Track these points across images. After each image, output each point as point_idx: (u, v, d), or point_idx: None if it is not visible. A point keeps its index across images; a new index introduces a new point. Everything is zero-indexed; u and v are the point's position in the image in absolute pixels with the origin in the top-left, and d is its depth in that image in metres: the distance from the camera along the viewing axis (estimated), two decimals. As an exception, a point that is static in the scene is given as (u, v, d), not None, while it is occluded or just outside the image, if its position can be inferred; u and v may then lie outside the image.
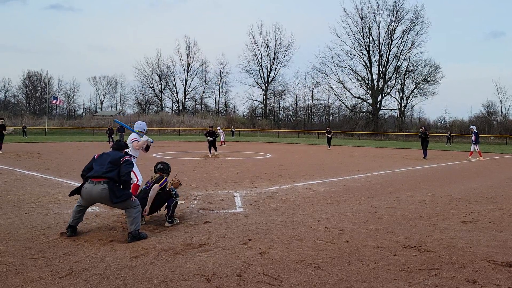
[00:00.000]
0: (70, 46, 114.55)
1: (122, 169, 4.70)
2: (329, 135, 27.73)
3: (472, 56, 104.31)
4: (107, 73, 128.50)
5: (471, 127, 20.61)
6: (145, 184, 5.58)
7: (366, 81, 69.28)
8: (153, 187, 5.25)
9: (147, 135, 7.00)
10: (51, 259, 3.89)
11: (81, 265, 3.74)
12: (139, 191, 5.79)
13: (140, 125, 6.92)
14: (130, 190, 4.92)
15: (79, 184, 4.84)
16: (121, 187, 4.70)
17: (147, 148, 6.86)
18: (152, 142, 6.87)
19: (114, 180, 4.61)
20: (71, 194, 4.85)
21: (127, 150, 5.39)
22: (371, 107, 68.82)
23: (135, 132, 6.81)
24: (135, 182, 6.99)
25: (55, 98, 58.47)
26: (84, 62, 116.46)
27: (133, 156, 6.55)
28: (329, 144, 27.60)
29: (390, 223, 5.66)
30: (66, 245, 4.35)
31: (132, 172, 6.12)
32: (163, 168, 5.67)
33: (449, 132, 43.12)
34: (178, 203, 5.61)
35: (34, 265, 3.73)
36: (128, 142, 6.50)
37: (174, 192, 5.44)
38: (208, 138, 18.06)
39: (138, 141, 6.58)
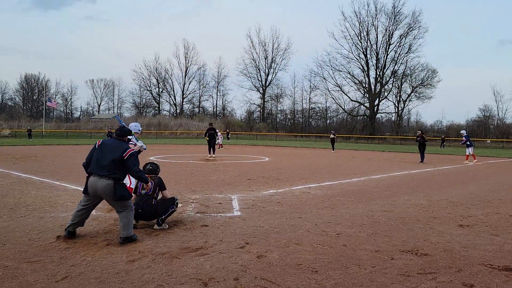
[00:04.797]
0: (68, 49, 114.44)
1: (130, 168, 4.67)
2: (334, 141, 27.69)
3: (471, 60, 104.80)
4: (105, 76, 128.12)
5: (461, 131, 21.01)
6: (143, 190, 5.44)
7: (364, 85, 69.58)
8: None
9: (141, 137, 6.97)
10: (47, 263, 3.87)
11: (77, 269, 3.72)
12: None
13: (134, 126, 6.86)
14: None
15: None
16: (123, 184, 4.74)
17: (138, 153, 6.85)
18: (145, 148, 6.83)
19: (119, 179, 4.67)
20: (85, 192, 4.81)
21: (130, 137, 5.23)
22: (368, 111, 69.01)
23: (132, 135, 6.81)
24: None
25: (50, 101, 57.42)
26: (81, 64, 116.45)
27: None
28: (333, 147, 27.62)
29: (387, 227, 5.66)
30: (63, 249, 4.33)
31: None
32: (152, 169, 5.67)
33: (442, 136, 45.43)
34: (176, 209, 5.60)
35: (30, 268, 3.71)
36: None
37: (177, 201, 5.51)
38: (209, 134, 17.72)
39: (134, 145, 6.57)
